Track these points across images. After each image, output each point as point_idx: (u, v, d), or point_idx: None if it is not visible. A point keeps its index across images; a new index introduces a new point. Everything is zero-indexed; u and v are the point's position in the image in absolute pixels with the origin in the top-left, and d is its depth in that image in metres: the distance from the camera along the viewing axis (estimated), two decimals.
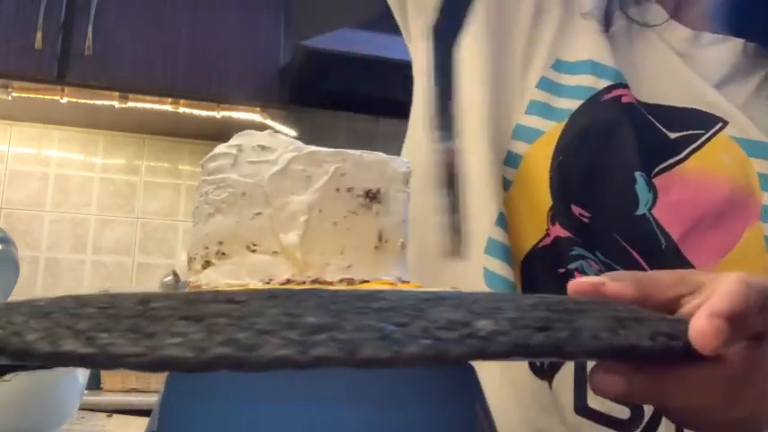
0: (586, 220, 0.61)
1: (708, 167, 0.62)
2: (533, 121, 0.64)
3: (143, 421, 0.32)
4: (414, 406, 0.28)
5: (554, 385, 0.59)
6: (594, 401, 0.58)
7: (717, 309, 0.32)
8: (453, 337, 0.24)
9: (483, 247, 0.61)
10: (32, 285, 2.29)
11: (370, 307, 0.25)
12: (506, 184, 0.63)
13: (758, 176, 0.62)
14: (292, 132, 2.37)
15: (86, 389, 0.85)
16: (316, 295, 0.26)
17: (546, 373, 0.60)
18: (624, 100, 0.63)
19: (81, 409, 0.98)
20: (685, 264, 0.59)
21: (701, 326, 0.31)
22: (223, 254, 0.33)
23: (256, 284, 0.32)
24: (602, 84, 0.63)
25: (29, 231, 2.33)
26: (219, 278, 0.33)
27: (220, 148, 0.34)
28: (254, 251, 0.32)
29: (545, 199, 0.62)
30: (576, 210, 0.62)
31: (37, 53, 2.05)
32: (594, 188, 0.62)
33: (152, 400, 0.32)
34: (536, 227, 0.62)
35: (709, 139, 0.63)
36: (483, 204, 0.62)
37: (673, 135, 0.63)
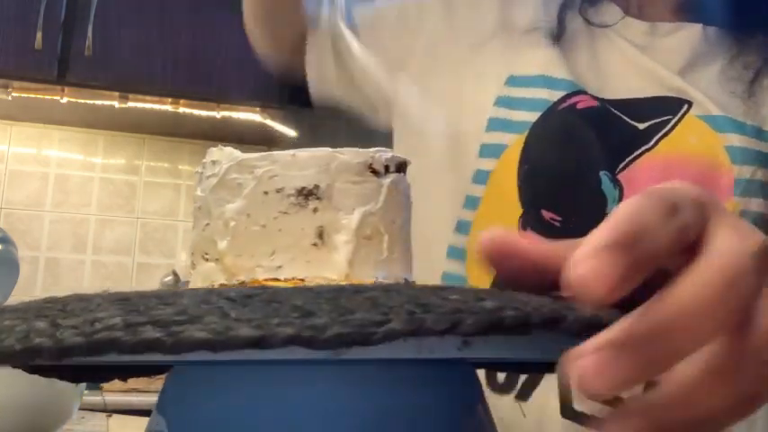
0: (558, 224, 0.63)
1: (675, 152, 0.63)
2: (496, 137, 0.67)
3: (143, 421, 0.32)
4: (413, 405, 0.28)
5: (533, 397, 0.61)
6: (579, 405, 0.59)
7: (593, 242, 0.24)
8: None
9: (444, 253, 0.66)
10: (32, 285, 2.29)
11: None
12: (476, 202, 0.67)
13: (726, 151, 0.62)
14: (292, 132, 2.37)
15: (86, 389, 0.85)
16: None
17: (521, 391, 0.61)
18: (580, 106, 0.65)
19: (81, 409, 0.98)
20: None
21: (578, 270, 0.23)
22: (193, 264, 0.34)
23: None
24: (557, 95, 0.66)
25: (29, 231, 2.33)
26: (191, 285, 0.34)
27: (198, 167, 0.36)
28: (206, 260, 0.34)
29: (515, 208, 0.64)
30: (547, 215, 0.64)
31: (37, 53, 2.05)
32: (562, 192, 0.64)
33: (152, 400, 0.32)
34: None
35: (677, 123, 0.64)
36: (442, 218, 0.67)
37: (642, 126, 0.65)
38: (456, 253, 0.66)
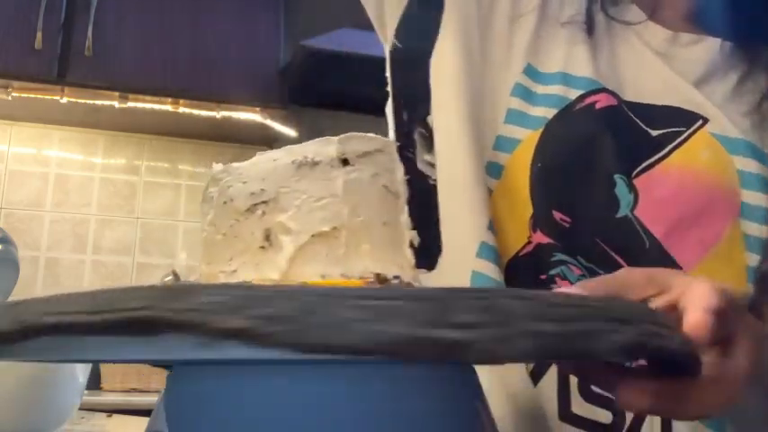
0: (567, 225, 0.62)
1: (689, 163, 0.63)
2: (512, 131, 0.65)
3: (143, 421, 0.32)
4: (415, 404, 0.28)
5: (540, 385, 0.60)
6: (578, 408, 0.59)
7: (709, 305, 0.37)
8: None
9: (474, 251, 0.62)
10: (32, 285, 2.29)
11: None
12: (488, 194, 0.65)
13: (738, 173, 0.62)
14: (292, 132, 2.37)
15: (86, 389, 0.85)
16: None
17: (533, 371, 0.61)
18: (598, 106, 0.64)
19: (81, 409, 0.98)
20: (669, 261, 0.60)
21: (697, 319, 0.36)
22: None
23: None
24: (575, 93, 0.64)
25: (29, 231, 2.33)
26: None
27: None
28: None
29: (526, 206, 0.63)
30: (557, 215, 0.62)
31: (37, 53, 2.05)
32: (574, 193, 0.63)
33: (152, 400, 0.32)
34: (518, 235, 0.63)
35: (690, 136, 0.64)
36: (473, 212, 0.63)
37: (655, 133, 0.64)
38: (489, 252, 0.63)
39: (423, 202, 0.64)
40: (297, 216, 0.33)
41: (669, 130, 0.64)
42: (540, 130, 0.64)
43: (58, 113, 2.26)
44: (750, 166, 0.62)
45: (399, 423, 0.27)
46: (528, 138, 0.64)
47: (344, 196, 0.34)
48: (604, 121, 0.63)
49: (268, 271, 0.33)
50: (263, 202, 0.34)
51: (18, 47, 2.04)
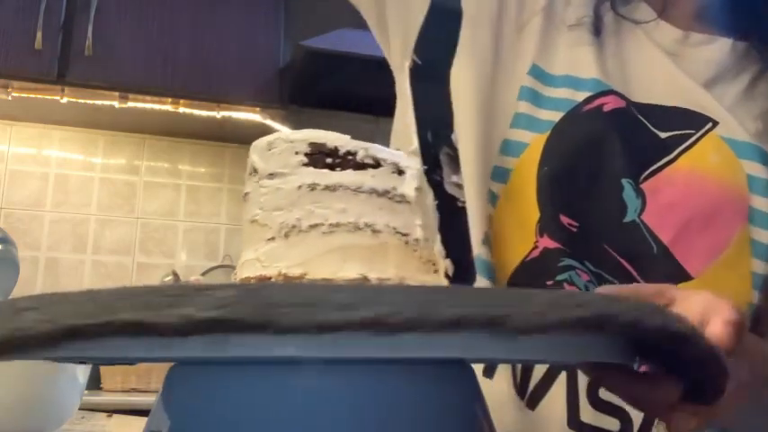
0: (575, 230, 0.62)
1: (697, 167, 0.62)
2: (519, 135, 0.64)
3: (143, 421, 0.32)
4: (413, 405, 0.28)
5: (540, 406, 0.60)
6: (587, 416, 0.59)
7: (730, 318, 0.39)
8: None
9: (479, 240, 0.63)
10: (32, 285, 2.29)
11: None
12: (494, 199, 0.64)
13: (747, 178, 0.62)
14: None
15: (86, 389, 0.85)
16: None
17: (530, 397, 0.61)
18: (606, 108, 0.63)
19: (81, 409, 0.98)
20: (677, 267, 0.60)
21: (720, 330, 0.39)
22: None
23: None
24: (582, 95, 0.64)
25: (29, 231, 2.33)
26: None
27: None
28: None
29: (533, 211, 0.62)
30: (565, 219, 0.62)
31: (37, 53, 2.04)
32: (581, 198, 0.62)
33: (152, 399, 0.32)
34: (524, 240, 0.63)
35: (699, 139, 0.63)
36: (471, 226, 0.63)
37: (663, 135, 0.64)
38: (483, 267, 0.64)
39: (454, 226, 0.63)
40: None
41: (678, 132, 0.63)
42: (548, 133, 0.63)
43: (58, 113, 2.26)
44: (759, 170, 0.62)
45: (399, 423, 0.27)
46: (535, 141, 0.63)
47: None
48: (612, 124, 0.63)
49: None
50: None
51: (18, 47, 2.04)
